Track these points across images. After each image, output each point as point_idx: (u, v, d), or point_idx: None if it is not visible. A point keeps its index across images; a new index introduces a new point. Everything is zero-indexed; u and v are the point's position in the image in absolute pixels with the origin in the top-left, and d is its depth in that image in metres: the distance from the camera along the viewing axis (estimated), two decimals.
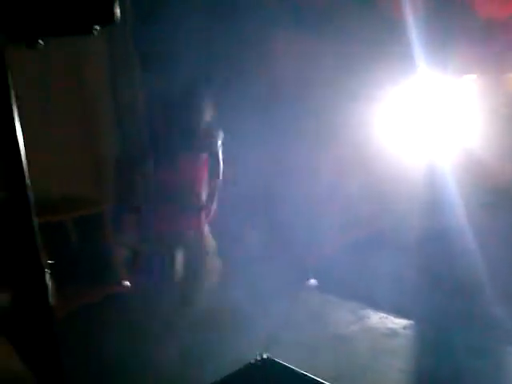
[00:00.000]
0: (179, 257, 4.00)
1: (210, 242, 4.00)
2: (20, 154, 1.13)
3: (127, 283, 4.45)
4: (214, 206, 3.98)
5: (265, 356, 2.09)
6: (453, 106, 4.11)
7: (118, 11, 1.15)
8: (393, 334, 3.59)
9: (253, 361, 2.08)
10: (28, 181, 1.13)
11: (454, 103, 4.10)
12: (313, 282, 4.32)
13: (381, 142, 4.27)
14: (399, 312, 3.78)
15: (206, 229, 3.97)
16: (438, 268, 3.85)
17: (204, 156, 3.81)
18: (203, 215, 3.93)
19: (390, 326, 3.68)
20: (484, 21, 3.82)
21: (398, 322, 3.70)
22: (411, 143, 4.30)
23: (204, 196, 3.89)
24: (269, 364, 2.08)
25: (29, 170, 1.17)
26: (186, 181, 3.70)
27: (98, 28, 1.14)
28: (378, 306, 3.90)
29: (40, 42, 1.20)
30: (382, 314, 3.82)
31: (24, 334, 1.33)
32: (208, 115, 3.67)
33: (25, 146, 1.17)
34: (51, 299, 1.18)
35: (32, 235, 1.15)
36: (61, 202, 4.50)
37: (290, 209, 4.32)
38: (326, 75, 4.27)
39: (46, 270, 1.18)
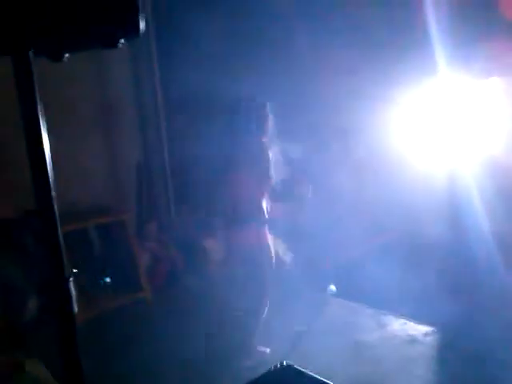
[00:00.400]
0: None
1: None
2: (46, 166, 1.16)
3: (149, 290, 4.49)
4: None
5: (285, 363, 2.09)
6: (476, 108, 4.06)
7: (142, 24, 1.17)
8: (413, 340, 3.56)
9: (273, 368, 2.08)
10: (54, 192, 1.16)
11: (478, 106, 4.05)
12: (333, 288, 4.31)
13: (402, 146, 4.25)
14: (420, 319, 3.75)
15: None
16: (460, 275, 3.82)
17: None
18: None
19: (411, 332, 3.66)
20: (509, 22, 3.79)
21: (418, 329, 3.68)
22: (433, 147, 4.27)
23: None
24: (289, 371, 2.08)
25: (55, 179, 1.20)
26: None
27: (123, 41, 1.17)
28: (398, 313, 3.87)
29: (66, 55, 1.23)
30: (403, 321, 3.80)
31: (49, 343, 1.35)
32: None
33: (51, 156, 1.20)
34: (75, 307, 1.21)
35: (57, 245, 1.18)
36: (85, 210, 4.57)
37: (310, 215, 4.32)
38: (349, 81, 4.27)
39: (71, 278, 1.20)
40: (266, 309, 3.45)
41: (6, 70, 1.22)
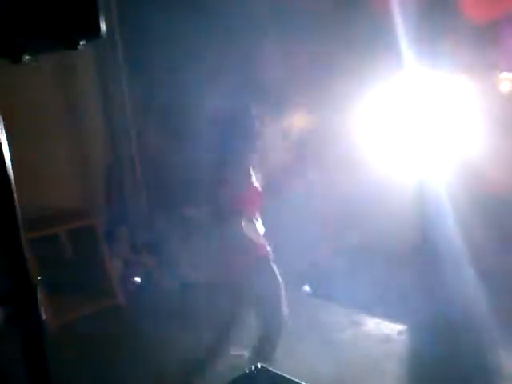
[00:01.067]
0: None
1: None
2: (6, 169, 1.12)
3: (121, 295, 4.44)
4: None
5: (259, 365, 2.08)
6: (443, 106, 4.10)
7: (103, 26, 1.15)
8: (387, 339, 3.59)
9: (247, 370, 2.07)
10: (15, 196, 1.12)
11: (444, 103, 4.08)
12: (307, 288, 4.32)
13: (369, 144, 4.26)
14: (394, 318, 3.77)
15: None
16: (431, 275, 3.85)
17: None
18: None
19: (385, 331, 3.68)
20: (473, 22, 3.85)
21: (392, 328, 3.70)
22: (400, 146, 4.30)
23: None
24: (263, 373, 2.07)
25: (20, 184, 1.17)
26: None
27: (84, 43, 1.14)
28: (373, 312, 3.90)
29: (26, 56, 1.20)
30: (377, 320, 3.82)
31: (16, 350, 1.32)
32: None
33: (16, 160, 1.17)
34: (43, 315, 1.18)
35: (20, 251, 1.14)
36: (54, 215, 4.50)
37: (283, 214, 4.32)
38: (313, 76, 4.28)
39: (37, 285, 1.17)
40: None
41: None
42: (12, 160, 1.15)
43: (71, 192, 4.84)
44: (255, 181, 3.21)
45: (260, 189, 3.23)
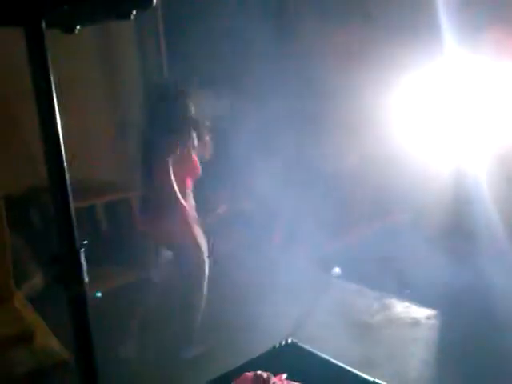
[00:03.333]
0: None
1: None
2: (59, 140, 1.16)
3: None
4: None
5: (289, 340, 2.11)
6: (483, 92, 4.01)
7: None
8: (416, 323, 3.59)
9: (277, 345, 2.10)
10: (66, 165, 1.16)
11: (486, 91, 4.00)
12: (337, 270, 4.33)
13: (406, 132, 4.22)
14: (423, 302, 3.77)
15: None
16: (465, 261, 3.82)
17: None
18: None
19: (414, 315, 3.69)
20: None
21: (421, 312, 3.70)
22: (439, 133, 4.25)
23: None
24: (293, 348, 2.10)
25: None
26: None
27: (135, 13, 1.16)
28: (402, 296, 3.90)
29: (77, 27, 1.23)
30: (407, 304, 3.83)
31: (57, 313, 1.37)
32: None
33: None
34: (86, 277, 1.22)
35: (69, 217, 1.19)
36: (91, 187, 4.59)
37: (313, 199, 4.33)
38: (352, 63, 4.24)
39: (81, 249, 1.22)
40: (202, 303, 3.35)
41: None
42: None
43: (108, 165, 4.92)
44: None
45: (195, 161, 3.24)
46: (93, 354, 1.24)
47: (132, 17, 1.14)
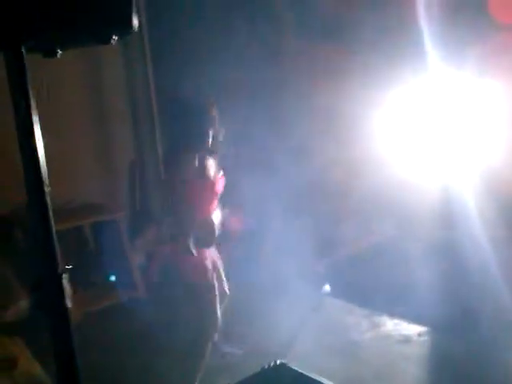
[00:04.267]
0: None
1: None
2: (39, 161, 1.15)
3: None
4: None
5: (278, 362, 2.10)
6: (471, 111, 4.05)
7: (136, 21, 1.17)
8: (407, 340, 3.58)
9: (266, 366, 2.09)
10: (46, 187, 1.15)
11: (469, 106, 4.04)
12: (327, 288, 4.32)
13: (391, 146, 4.25)
14: (414, 319, 3.76)
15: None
16: (454, 277, 3.82)
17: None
18: None
19: (405, 332, 3.67)
20: (501, 24, 3.80)
21: (412, 329, 3.69)
22: (422, 147, 4.27)
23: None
24: (282, 369, 2.08)
25: (48, 176, 1.20)
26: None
27: (116, 38, 1.17)
28: (392, 313, 3.89)
29: (58, 51, 1.23)
30: (397, 321, 3.81)
31: (42, 338, 1.35)
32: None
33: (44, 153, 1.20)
34: (68, 303, 1.20)
35: (50, 240, 1.17)
36: (78, 208, 4.57)
37: (301, 214, 4.33)
38: (335, 79, 4.28)
39: (64, 274, 1.20)
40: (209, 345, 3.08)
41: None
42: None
43: (95, 186, 4.90)
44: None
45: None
46: (77, 381, 1.22)
47: (113, 41, 1.14)
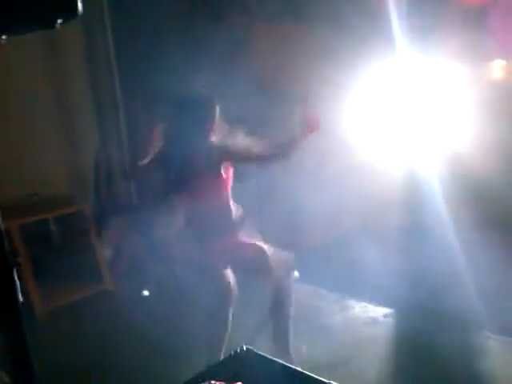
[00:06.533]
0: None
1: None
2: None
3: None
4: None
5: (245, 347, 2.09)
6: (434, 92, 4.08)
7: (80, 5, 1.14)
8: (374, 322, 3.63)
9: (233, 352, 2.08)
10: None
11: (436, 90, 4.07)
12: (296, 274, 4.33)
13: (356, 131, 4.25)
14: (381, 302, 3.83)
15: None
16: (419, 260, 3.87)
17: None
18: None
19: (372, 314, 3.73)
20: (465, 8, 3.82)
21: (379, 311, 3.76)
22: (390, 133, 4.29)
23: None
24: (249, 355, 2.08)
25: (9, 170, 1.16)
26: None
27: (61, 22, 1.13)
28: (360, 296, 3.93)
29: (2, 37, 1.19)
30: (364, 304, 3.87)
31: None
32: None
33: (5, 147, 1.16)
34: (20, 297, 1.17)
35: None
36: (43, 201, 4.50)
37: (272, 202, 4.32)
38: (302, 63, 4.26)
39: (15, 267, 1.17)
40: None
41: None
42: None
43: (60, 178, 4.83)
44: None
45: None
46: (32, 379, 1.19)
47: (57, 26, 1.11)
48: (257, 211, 4.26)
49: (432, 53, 3.84)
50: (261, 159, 3.08)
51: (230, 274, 3.18)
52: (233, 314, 3.18)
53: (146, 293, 4.30)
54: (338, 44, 4.07)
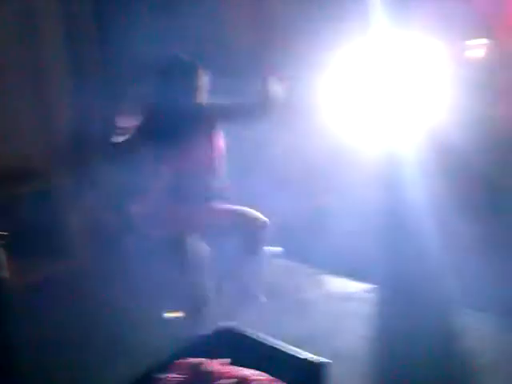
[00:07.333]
0: None
1: None
2: None
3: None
4: None
5: (225, 324, 2.09)
6: (412, 68, 4.06)
7: None
8: (350, 297, 3.67)
9: (213, 329, 2.08)
10: None
11: (413, 66, 4.04)
12: (273, 249, 4.32)
13: (332, 110, 4.22)
14: (359, 277, 3.85)
15: None
16: (398, 236, 3.90)
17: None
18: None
19: (350, 290, 3.76)
20: None
21: (357, 287, 3.79)
22: (367, 110, 4.27)
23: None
24: (229, 331, 2.08)
25: None
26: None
27: None
28: (338, 272, 3.95)
29: None
30: (342, 279, 3.90)
31: None
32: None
33: None
34: (5, 272, 1.14)
35: None
36: (14, 175, 4.38)
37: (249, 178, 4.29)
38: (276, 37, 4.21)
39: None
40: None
41: None
42: None
43: (35, 151, 4.70)
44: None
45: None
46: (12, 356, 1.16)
47: None
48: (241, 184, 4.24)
49: (411, 28, 3.81)
50: (246, 113, 3.22)
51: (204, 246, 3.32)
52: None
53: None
54: (313, 19, 4.03)
